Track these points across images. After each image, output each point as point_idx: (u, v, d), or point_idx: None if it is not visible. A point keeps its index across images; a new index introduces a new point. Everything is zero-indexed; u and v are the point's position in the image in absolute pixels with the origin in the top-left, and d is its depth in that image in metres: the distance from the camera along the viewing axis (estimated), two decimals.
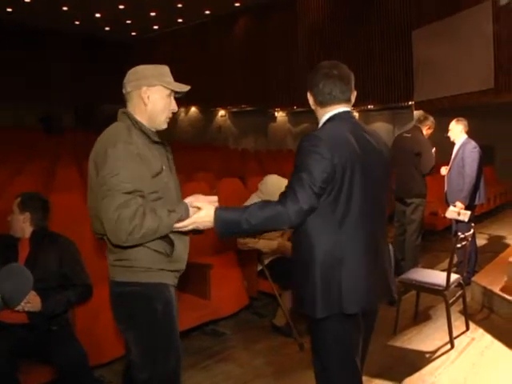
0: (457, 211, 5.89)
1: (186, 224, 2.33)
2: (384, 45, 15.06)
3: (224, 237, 2.33)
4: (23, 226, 3.37)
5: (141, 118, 2.45)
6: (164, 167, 2.44)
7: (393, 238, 6.67)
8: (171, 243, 2.37)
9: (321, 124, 2.46)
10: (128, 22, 20.76)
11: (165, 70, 2.51)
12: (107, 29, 21.83)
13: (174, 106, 2.53)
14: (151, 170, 2.34)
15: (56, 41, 21.07)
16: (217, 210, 2.30)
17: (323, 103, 2.44)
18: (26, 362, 3.13)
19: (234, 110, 20.84)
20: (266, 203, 2.26)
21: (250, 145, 19.70)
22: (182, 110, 22.71)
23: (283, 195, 2.24)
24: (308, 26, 17.26)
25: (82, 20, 20.16)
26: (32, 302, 3.01)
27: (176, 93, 2.53)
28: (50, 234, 3.43)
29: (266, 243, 4.66)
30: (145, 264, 2.36)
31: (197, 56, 21.09)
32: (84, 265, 3.45)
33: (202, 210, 2.33)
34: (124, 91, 2.48)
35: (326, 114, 2.45)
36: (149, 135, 2.43)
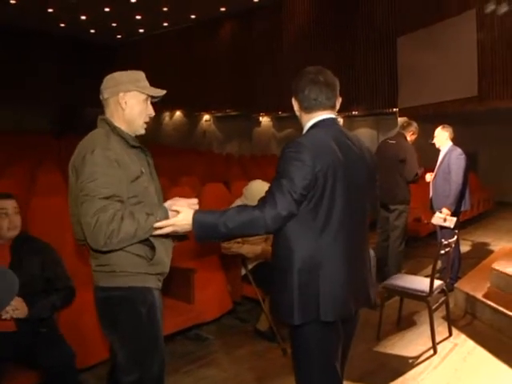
0: (443, 217, 5.92)
1: (163, 225, 2.30)
2: (369, 51, 15.17)
3: (202, 240, 2.31)
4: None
5: (119, 123, 2.48)
6: (143, 171, 2.46)
7: (376, 243, 6.70)
8: (152, 247, 2.38)
9: (305, 130, 2.47)
10: (113, 24, 20.73)
11: (140, 75, 2.54)
12: (92, 31, 21.78)
13: (150, 111, 2.56)
14: (130, 174, 2.36)
15: (41, 42, 21.01)
16: (195, 213, 2.28)
17: (308, 109, 2.45)
18: (11, 367, 3.09)
19: (219, 114, 20.86)
20: (244, 207, 2.25)
21: (235, 149, 19.73)
22: (167, 114, 22.68)
23: (262, 200, 2.24)
24: (293, 31, 17.35)
25: (68, 22, 20.08)
26: (19, 308, 2.99)
27: (153, 97, 2.57)
28: (29, 238, 3.40)
29: (250, 248, 4.67)
30: (126, 268, 2.37)
31: (182, 60, 21.11)
32: (65, 267, 3.43)
33: (181, 213, 2.30)
34: (101, 98, 2.52)
35: (310, 120, 2.45)
36: (127, 140, 2.46)
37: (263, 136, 19.37)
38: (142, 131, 2.56)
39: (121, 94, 2.45)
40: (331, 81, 2.46)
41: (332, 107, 2.47)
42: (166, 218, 2.30)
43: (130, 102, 2.47)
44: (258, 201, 2.25)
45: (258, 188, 4.62)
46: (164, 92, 2.55)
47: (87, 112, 19.40)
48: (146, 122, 2.56)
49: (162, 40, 22.23)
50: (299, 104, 2.47)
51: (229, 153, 17.78)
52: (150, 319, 2.44)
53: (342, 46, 15.77)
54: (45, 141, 16.00)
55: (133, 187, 2.36)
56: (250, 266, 4.76)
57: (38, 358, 3.04)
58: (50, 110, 21.78)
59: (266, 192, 2.25)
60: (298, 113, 2.52)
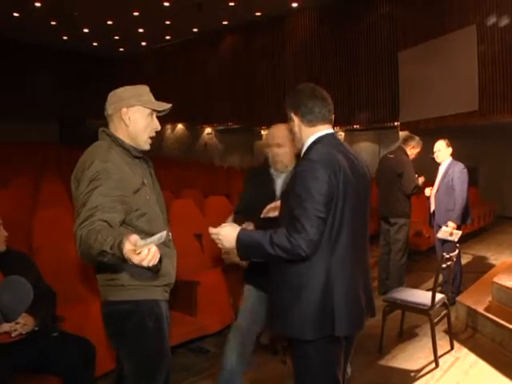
0: (449, 231, 5.94)
1: (212, 232, 2.43)
2: (370, 65, 15.24)
3: (246, 257, 2.49)
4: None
5: (123, 138, 2.47)
6: (145, 182, 2.45)
7: (378, 256, 6.73)
8: (159, 260, 2.38)
9: (307, 144, 2.50)
10: (116, 37, 20.81)
11: (143, 89, 2.53)
12: (95, 44, 21.86)
13: (156, 125, 2.54)
14: (131, 186, 2.35)
15: (43, 55, 21.10)
16: (241, 231, 2.39)
17: (311, 122, 2.49)
18: (27, 375, 3.13)
19: (221, 127, 20.88)
20: (282, 233, 2.28)
21: (236, 162, 19.75)
22: (169, 126, 22.73)
23: (292, 227, 2.26)
24: (295, 45, 17.46)
25: (70, 35, 20.16)
26: (27, 323, 3.04)
27: (158, 111, 2.55)
28: (11, 250, 3.46)
29: None
30: (133, 281, 2.39)
31: (184, 73, 21.18)
32: (40, 272, 3.51)
33: (227, 227, 2.40)
34: (106, 114, 2.52)
35: (313, 135, 2.49)
36: (129, 150, 2.45)
37: (265, 149, 19.39)
38: (147, 147, 2.53)
39: (124, 110, 2.44)
40: (327, 96, 2.55)
41: (331, 121, 2.55)
42: (120, 246, 1.98)
43: (134, 117, 2.46)
44: (287, 228, 2.27)
45: None
46: (169, 106, 2.54)
47: (88, 124, 19.50)
48: (151, 137, 2.54)
49: (164, 53, 22.33)
50: (301, 118, 2.50)
51: (230, 165, 17.82)
52: (158, 332, 2.46)
53: (344, 59, 15.86)
54: (47, 150, 16.04)
55: (135, 199, 2.35)
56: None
57: (54, 361, 3.09)
58: (51, 122, 21.85)
59: (293, 219, 2.27)
60: (296, 128, 2.54)
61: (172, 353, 4.10)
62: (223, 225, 2.44)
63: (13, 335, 2.97)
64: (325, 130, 2.51)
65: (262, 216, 2.91)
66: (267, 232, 2.31)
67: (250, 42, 19.05)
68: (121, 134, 2.47)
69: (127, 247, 1.91)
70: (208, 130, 21.51)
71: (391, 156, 6.50)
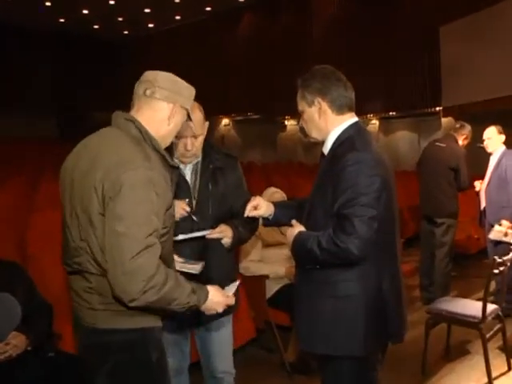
0: (503, 231, 5.75)
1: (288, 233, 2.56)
2: (407, 44, 15.07)
3: (300, 262, 2.57)
4: None
5: (152, 132, 2.32)
6: (171, 195, 2.35)
7: (419, 261, 6.65)
8: None
9: (337, 134, 2.54)
10: (119, 19, 20.96)
11: (194, 94, 2.48)
12: (96, 27, 22.04)
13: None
14: (166, 201, 2.24)
15: (37, 40, 21.25)
16: (299, 232, 2.52)
17: (341, 110, 2.53)
18: None
19: (239, 118, 20.91)
20: (328, 236, 2.34)
21: (257, 157, 19.74)
22: None
23: (339, 229, 2.31)
24: (322, 25, 17.38)
25: (68, 17, 20.31)
26: (18, 344, 3.02)
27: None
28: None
29: (272, 268, 4.76)
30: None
31: (196, 58, 21.21)
32: (34, 284, 3.49)
33: (295, 227, 2.55)
34: (143, 91, 2.32)
35: (343, 123, 2.54)
36: (166, 158, 2.33)
37: (289, 142, 19.38)
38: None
39: (176, 106, 2.35)
40: (346, 80, 2.61)
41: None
42: (205, 301, 2.32)
43: (177, 120, 2.38)
44: (334, 229, 2.33)
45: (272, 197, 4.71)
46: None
47: (91, 117, 19.58)
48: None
49: (173, 35, 22.44)
50: (329, 104, 2.53)
51: (250, 161, 17.80)
52: (161, 368, 2.35)
53: (378, 39, 15.72)
54: (45, 148, 16.19)
55: (166, 217, 2.24)
56: (274, 289, 4.80)
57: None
58: (49, 116, 22.03)
59: (340, 217, 2.33)
60: (316, 115, 2.58)
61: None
62: (293, 222, 2.60)
63: (1, 358, 2.95)
64: (353, 118, 2.57)
65: (245, 215, 2.87)
66: (318, 234, 2.39)
67: (272, 21, 19.02)
68: (151, 128, 2.31)
69: (221, 300, 2.42)
70: (225, 121, 21.55)
71: (442, 145, 6.36)
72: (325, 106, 2.53)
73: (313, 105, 2.56)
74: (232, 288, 2.63)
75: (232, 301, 2.47)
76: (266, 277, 4.75)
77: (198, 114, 3.02)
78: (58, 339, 3.45)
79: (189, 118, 2.46)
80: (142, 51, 23.15)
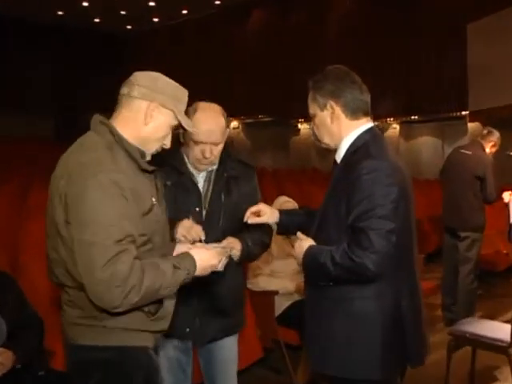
0: None
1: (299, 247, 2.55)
2: (431, 43, 15.05)
3: (312, 277, 2.56)
4: None
5: (129, 135, 2.31)
6: (154, 201, 2.36)
7: (441, 278, 6.61)
8: (159, 300, 2.29)
9: (351, 140, 2.54)
10: (122, 12, 21.05)
11: (184, 96, 2.44)
12: (97, 21, 22.14)
13: (168, 141, 2.45)
14: (141, 206, 2.24)
15: (33, 34, 21.28)
16: (311, 246, 2.50)
17: (356, 114, 2.54)
18: None
19: (249, 120, 20.92)
20: (343, 250, 2.33)
21: (268, 162, 19.73)
22: None
23: (355, 243, 2.31)
24: (337, 21, 17.42)
25: (67, 10, 20.41)
26: (4, 362, 3.01)
27: (180, 128, 2.50)
28: None
29: (282, 283, 4.76)
30: (121, 323, 2.24)
31: (203, 55, 21.27)
32: (23, 292, 3.49)
33: (303, 240, 2.53)
34: (124, 91, 2.34)
35: (357, 129, 2.54)
36: (136, 160, 2.30)
37: (302, 146, 19.36)
38: (149, 158, 2.41)
39: (154, 104, 2.31)
40: (361, 82, 2.61)
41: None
42: (195, 269, 2.30)
43: (157, 120, 2.34)
44: (349, 243, 2.33)
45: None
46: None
47: (90, 117, 19.56)
48: (157, 151, 2.44)
49: (179, 30, 22.52)
50: (343, 108, 2.54)
51: (261, 166, 17.79)
52: None
53: (399, 37, 15.71)
54: (40, 150, 16.24)
55: (143, 223, 2.24)
56: (284, 305, 4.80)
57: None
58: (45, 114, 22.09)
59: (355, 231, 2.33)
60: (329, 120, 2.58)
61: None
62: (299, 235, 2.59)
63: None
64: (368, 123, 2.57)
65: (248, 222, 2.88)
66: (331, 249, 2.38)
67: (284, 17, 19.10)
68: (129, 129, 2.31)
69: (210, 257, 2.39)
70: (234, 123, 21.55)
71: (468, 152, 6.33)
72: (338, 110, 2.53)
73: (325, 109, 2.56)
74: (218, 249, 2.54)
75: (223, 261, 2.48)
76: (276, 292, 4.74)
77: (220, 120, 2.99)
78: (49, 356, 3.45)
79: (181, 126, 2.43)
80: (145, 47, 23.29)
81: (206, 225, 2.94)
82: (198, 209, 3.04)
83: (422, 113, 15.62)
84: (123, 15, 21.37)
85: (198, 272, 2.33)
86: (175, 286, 2.23)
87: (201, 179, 3.11)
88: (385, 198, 2.29)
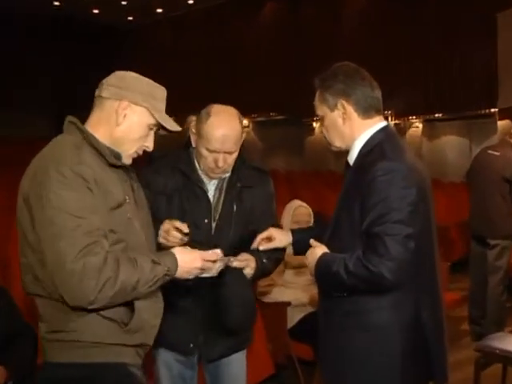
0: None
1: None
2: (456, 34, 15.01)
3: (325, 286, 2.57)
4: None
5: (101, 135, 2.36)
6: (127, 199, 2.37)
7: (468, 289, 6.59)
8: (130, 307, 2.26)
9: (364, 140, 2.55)
10: (123, 3, 21.10)
11: (160, 93, 2.47)
12: (96, 12, 22.21)
13: (149, 143, 2.46)
14: (109, 200, 2.26)
15: (28, 27, 21.29)
16: (324, 254, 2.51)
17: (368, 113, 2.55)
18: None
19: (260, 119, 20.92)
20: (357, 258, 2.34)
21: (280, 164, 19.73)
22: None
23: (370, 251, 2.31)
24: (353, 13, 17.43)
25: (64, 0, 20.46)
26: None
27: (162, 128, 2.47)
28: None
29: (294, 294, 4.77)
30: (92, 337, 2.22)
31: (211, 49, 21.29)
32: (17, 306, 3.51)
33: (317, 247, 2.53)
34: (97, 93, 2.43)
35: (370, 128, 2.56)
36: (104, 155, 2.32)
37: (317, 147, 19.30)
38: (127, 161, 2.45)
39: (124, 103, 2.36)
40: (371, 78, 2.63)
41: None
42: (176, 268, 2.30)
43: (130, 120, 2.38)
44: (364, 250, 2.33)
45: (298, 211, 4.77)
46: (178, 129, 2.49)
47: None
48: (136, 153, 2.46)
49: (184, 23, 22.52)
50: (355, 107, 2.55)
51: (274, 168, 17.79)
52: None
53: (420, 28, 15.67)
54: (35, 152, 16.25)
55: (111, 218, 2.25)
56: (297, 317, 4.80)
57: None
58: (44, 112, 22.15)
59: (370, 237, 2.33)
60: (340, 121, 2.59)
61: None
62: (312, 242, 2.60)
63: None
64: (381, 121, 2.59)
65: (259, 248, 2.89)
66: (344, 256, 2.38)
67: (296, 10, 19.10)
68: (101, 130, 2.37)
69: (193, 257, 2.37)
70: (244, 122, 21.51)
71: (496, 153, 6.31)
72: (350, 109, 2.54)
73: (336, 108, 2.56)
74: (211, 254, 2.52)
75: (209, 265, 2.44)
76: (288, 304, 4.73)
77: (236, 125, 2.97)
78: None
79: (162, 127, 2.44)
80: (147, 40, 23.28)
81: (215, 238, 2.94)
82: (206, 220, 3.01)
83: (446, 110, 15.56)
84: (124, 5, 21.40)
85: (180, 273, 2.33)
86: (154, 283, 2.21)
87: (211, 187, 3.08)
88: (401, 200, 2.29)
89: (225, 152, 2.89)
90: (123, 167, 2.43)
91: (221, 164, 2.90)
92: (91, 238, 2.09)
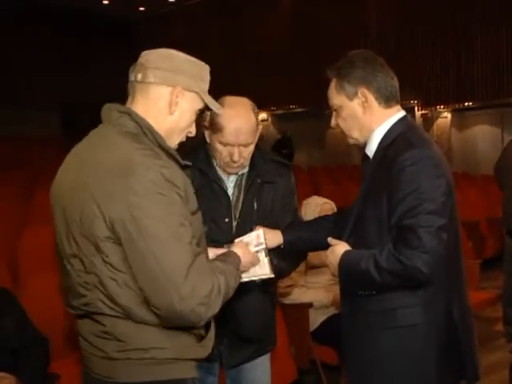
0: None
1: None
2: (488, 20, 14.93)
3: (349, 287, 2.56)
4: None
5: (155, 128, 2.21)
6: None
7: (503, 283, 6.54)
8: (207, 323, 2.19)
9: (385, 130, 2.54)
10: None
11: (207, 72, 2.33)
12: (105, 3, 22.28)
13: (193, 128, 2.35)
14: (191, 204, 2.16)
15: (36, 19, 21.39)
16: (346, 252, 2.49)
17: (389, 102, 2.53)
18: None
19: (280, 111, 20.91)
20: (388, 253, 2.32)
21: (302, 159, 19.73)
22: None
23: (402, 244, 2.29)
24: (379, 2, 17.33)
25: None
26: None
27: (208, 110, 2.40)
28: None
29: (316, 294, 4.75)
30: (171, 353, 2.14)
31: (227, 40, 21.30)
32: (28, 316, 3.49)
33: (338, 245, 2.54)
34: (138, 78, 2.22)
35: (391, 117, 2.54)
36: (175, 157, 2.21)
37: (340, 141, 19.16)
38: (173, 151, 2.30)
39: (178, 88, 2.20)
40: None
41: None
42: (239, 263, 2.35)
43: (183, 107, 2.24)
44: (395, 244, 2.32)
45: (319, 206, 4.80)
46: (220, 110, 2.45)
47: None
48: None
49: (199, 13, 22.57)
50: (375, 96, 2.52)
51: (295, 164, 17.77)
52: None
53: (448, 17, 15.59)
54: (43, 150, 16.35)
55: (193, 224, 2.14)
56: (319, 320, 4.79)
57: None
58: (51, 109, 22.20)
59: (402, 230, 2.31)
60: (360, 110, 2.55)
61: None
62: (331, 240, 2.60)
63: None
64: (400, 111, 2.57)
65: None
66: (372, 252, 2.36)
67: None
68: (150, 121, 2.19)
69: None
70: (263, 115, 21.54)
71: None
72: (371, 97, 2.51)
73: (355, 97, 2.52)
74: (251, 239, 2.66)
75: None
76: (310, 305, 4.71)
77: (250, 117, 2.93)
78: (54, 381, 3.46)
79: (207, 107, 2.33)
80: (160, 31, 23.26)
81: (235, 238, 2.86)
82: (227, 220, 2.99)
83: (475, 99, 15.48)
84: None
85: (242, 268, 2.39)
86: (236, 285, 2.23)
87: (230, 184, 3.06)
88: (434, 191, 2.28)
89: (239, 145, 2.87)
90: (188, 166, 2.36)
91: (236, 158, 2.87)
92: (195, 249, 2.04)
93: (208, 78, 2.32)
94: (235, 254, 2.35)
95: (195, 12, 22.66)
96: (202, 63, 2.32)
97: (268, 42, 20.19)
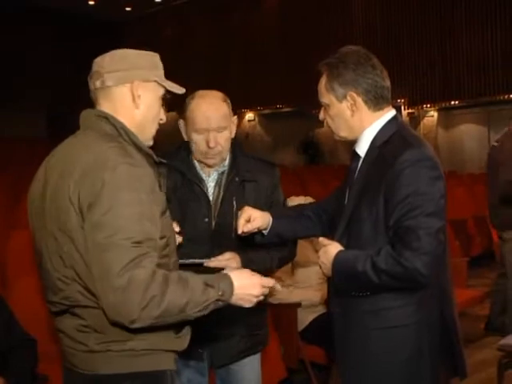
0: None
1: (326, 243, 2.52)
2: (474, 11, 14.96)
3: (343, 290, 2.51)
4: None
5: (127, 125, 2.27)
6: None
7: (493, 283, 6.57)
8: None
9: (376, 130, 2.53)
10: None
11: (158, 60, 2.39)
12: (91, 3, 22.21)
13: (163, 115, 2.42)
14: (160, 204, 2.19)
15: (22, 20, 21.26)
16: (339, 253, 2.46)
17: (379, 104, 2.52)
18: None
19: (267, 111, 20.90)
20: (388, 253, 2.31)
21: (289, 159, 19.72)
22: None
23: (402, 245, 2.29)
24: None
25: None
26: None
27: (168, 93, 2.41)
28: None
29: (304, 294, 4.76)
30: (149, 344, 2.16)
31: (215, 40, 21.28)
32: (15, 316, 3.49)
33: (330, 245, 2.49)
34: (96, 85, 2.31)
35: (381, 118, 2.53)
36: (150, 154, 2.27)
37: (328, 140, 19.30)
38: (151, 143, 2.40)
39: (135, 83, 2.26)
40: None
41: None
42: (231, 292, 2.17)
43: (146, 98, 2.30)
44: (394, 245, 2.31)
45: None
46: (184, 91, 2.43)
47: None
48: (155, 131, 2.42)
49: (186, 13, 22.55)
50: (364, 98, 2.50)
51: (281, 163, 17.77)
52: None
53: (433, 15, 15.62)
54: (29, 153, 16.31)
55: (162, 224, 2.17)
56: (308, 319, 4.79)
57: None
58: (37, 111, 22.16)
59: (404, 231, 2.30)
60: (348, 113, 2.53)
61: None
62: (322, 240, 2.57)
63: None
64: (391, 111, 2.56)
65: (239, 232, 2.81)
66: (368, 254, 2.35)
67: None
68: (126, 121, 2.27)
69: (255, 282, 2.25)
70: (249, 115, 21.57)
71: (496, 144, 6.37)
72: (359, 100, 2.49)
73: (344, 100, 2.50)
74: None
75: (266, 291, 2.31)
76: (298, 305, 4.71)
77: (221, 105, 3.00)
78: (43, 382, 3.46)
79: (167, 91, 2.37)
80: (146, 31, 23.29)
81: (216, 239, 2.94)
82: (206, 219, 3.01)
83: (462, 97, 15.53)
84: None
85: (235, 299, 2.21)
86: (204, 307, 2.09)
87: (211, 183, 3.09)
88: (433, 192, 2.30)
89: (213, 129, 2.93)
90: (163, 163, 2.43)
91: (212, 144, 2.93)
92: (141, 250, 2.00)
93: (161, 64, 2.39)
94: (230, 280, 2.20)
95: (182, 12, 22.63)
96: (152, 52, 2.39)
97: (254, 41, 20.20)
